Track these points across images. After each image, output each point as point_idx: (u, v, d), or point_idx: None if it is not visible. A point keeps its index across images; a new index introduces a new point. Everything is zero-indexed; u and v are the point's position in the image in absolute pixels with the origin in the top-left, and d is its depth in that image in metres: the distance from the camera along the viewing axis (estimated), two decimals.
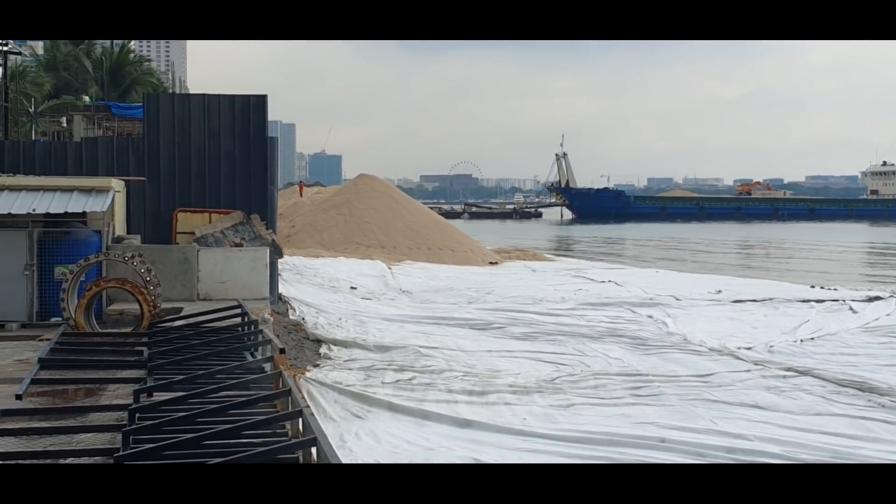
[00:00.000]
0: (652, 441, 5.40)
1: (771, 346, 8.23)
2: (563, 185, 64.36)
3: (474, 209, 73.70)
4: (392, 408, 6.12)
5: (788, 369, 7.25)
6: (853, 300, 11.24)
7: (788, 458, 4.80)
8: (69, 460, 3.15)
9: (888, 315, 10.02)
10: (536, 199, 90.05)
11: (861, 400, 6.36)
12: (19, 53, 21.58)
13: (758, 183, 78.91)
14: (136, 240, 8.39)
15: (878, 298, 11.33)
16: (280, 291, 9.75)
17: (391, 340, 7.34)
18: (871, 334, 8.97)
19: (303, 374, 6.57)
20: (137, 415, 3.69)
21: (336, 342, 7.44)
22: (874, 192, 71.23)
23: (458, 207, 76.03)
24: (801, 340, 8.59)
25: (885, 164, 70.79)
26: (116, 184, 7.91)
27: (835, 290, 12.83)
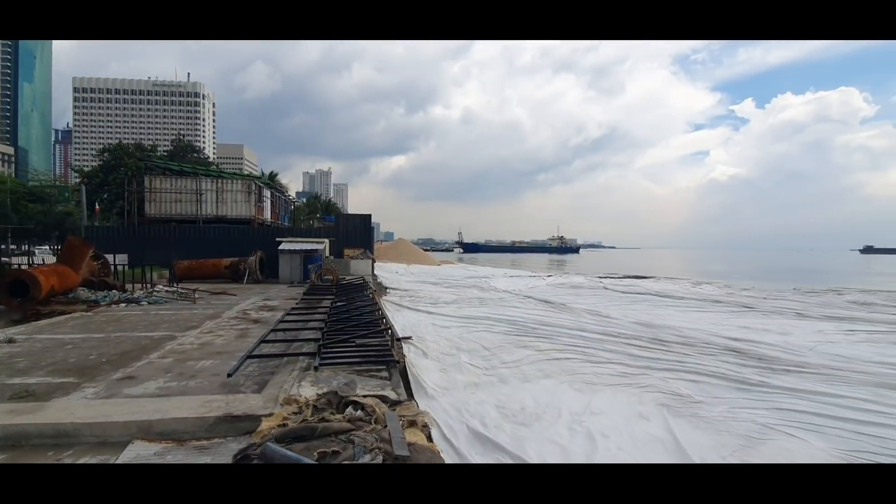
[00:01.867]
0: (483, 317, 15.44)
1: (520, 290, 19.42)
2: (461, 240, 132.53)
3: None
4: (408, 308, 13.49)
5: (526, 296, 18.21)
6: (545, 276, 23.72)
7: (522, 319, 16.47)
8: (314, 316, 16.44)
9: (546, 283, 21.40)
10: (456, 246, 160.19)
11: (546, 306, 16.61)
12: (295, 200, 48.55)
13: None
14: (332, 257, 22.62)
15: (549, 276, 25.82)
16: (375, 273, 23.68)
17: (408, 288, 20.03)
18: (551, 287, 20.42)
19: (380, 297, 18.97)
20: (331, 309, 10.99)
21: (390, 288, 20.32)
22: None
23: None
24: (531, 287, 20.27)
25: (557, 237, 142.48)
26: (326, 241, 22.23)
27: (548, 276, 27.27)
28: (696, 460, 4.23)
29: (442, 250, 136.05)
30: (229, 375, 5.31)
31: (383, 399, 3.81)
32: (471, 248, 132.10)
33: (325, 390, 4.28)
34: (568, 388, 6.37)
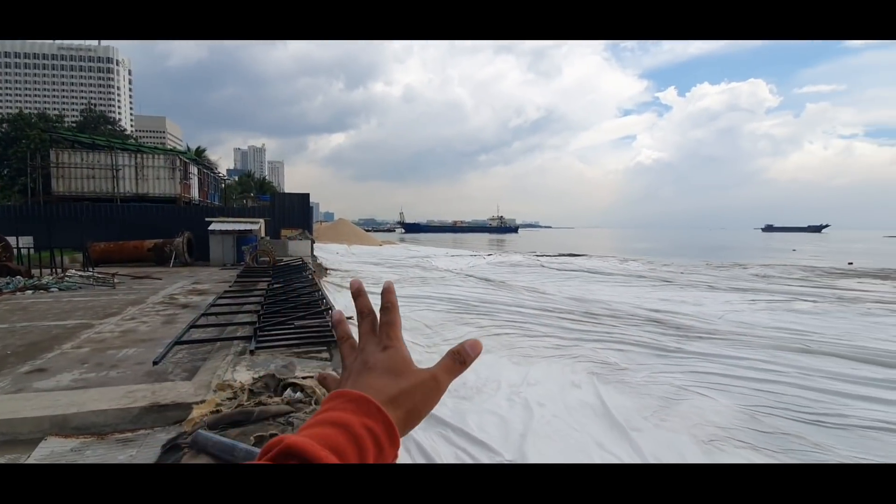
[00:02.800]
0: (425, 296, 17.30)
1: (461, 269, 19.99)
2: (403, 220, 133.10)
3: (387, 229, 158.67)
4: (349, 289, 18.38)
5: (467, 275, 18.74)
6: (486, 255, 24.09)
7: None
8: (250, 300, 15.84)
9: (486, 262, 22.25)
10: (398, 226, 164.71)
11: (486, 284, 17.64)
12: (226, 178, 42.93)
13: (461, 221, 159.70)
14: (268, 238, 21.58)
15: (489, 255, 26.70)
16: (315, 254, 22.95)
17: (350, 269, 19.73)
18: (491, 266, 21.19)
19: (321, 278, 19.03)
20: (268, 291, 12.56)
21: (331, 269, 19.90)
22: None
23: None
24: (471, 266, 20.84)
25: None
26: (261, 220, 21.12)
27: (488, 255, 27.95)
28: (621, 421, 4.54)
29: (384, 231, 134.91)
30: (155, 363, 4.96)
31: None
32: (413, 228, 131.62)
33: (262, 374, 4.12)
34: (507, 362, 6.58)
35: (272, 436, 2.64)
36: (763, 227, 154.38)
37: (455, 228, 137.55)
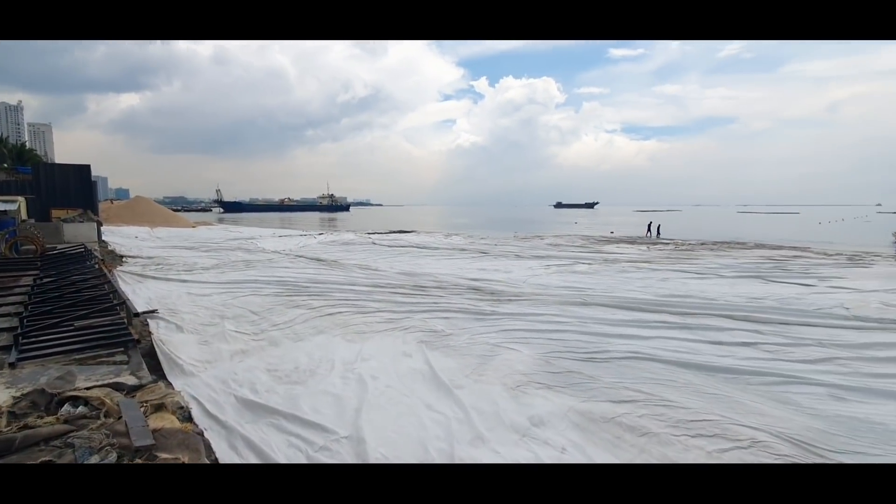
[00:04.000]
0: (250, 280, 15.54)
1: (291, 250, 19.41)
2: (221, 199, 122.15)
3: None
4: (154, 278, 11.29)
5: (297, 256, 18.23)
6: (316, 234, 24.86)
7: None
8: (8, 300, 12.41)
9: (317, 241, 23.21)
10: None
11: (318, 264, 17.35)
12: None
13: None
14: (33, 221, 16.76)
15: (320, 234, 27.76)
16: (104, 239, 18.89)
17: (154, 255, 16.87)
18: (323, 245, 21.57)
19: (113, 268, 15.16)
20: (34, 288, 8.52)
21: (128, 257, 16.68)
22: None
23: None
24: (301, 247, 20.80)
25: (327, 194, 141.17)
26: (21, 199, 16.25)
27: (319, 234, 27.75)
28: (446, 381, 4.92)
29: (197, 210, 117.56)
30: None
31: (117, 387, 3.11)
32: (233, 207, 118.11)
33: (27, 390, 3.24)
34: (341, 341, 6.49)
35: (46, 463, 2.11)
36: (555, 204, 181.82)
37: (283, 207, 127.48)
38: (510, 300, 9.00)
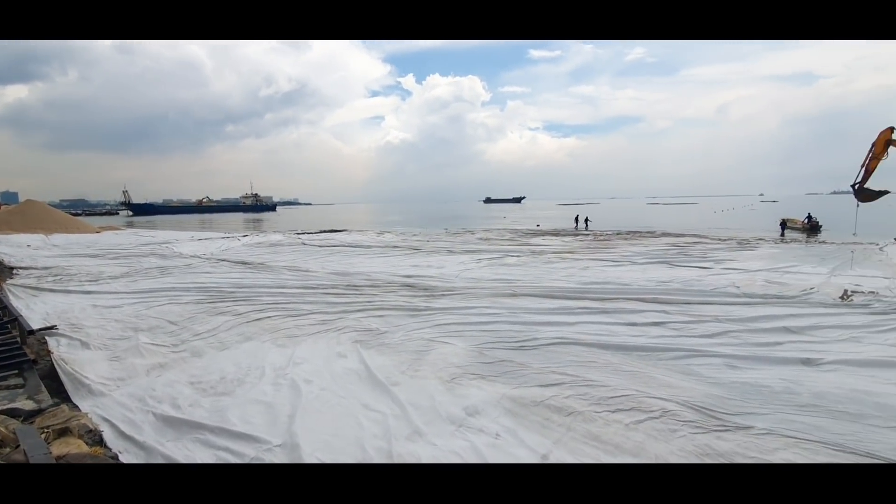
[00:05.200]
0: (167, 288, 11.55)
1: (212, 254, 18.39)
2: (129, 200, 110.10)
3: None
4: (52, 291, 10.09)
5: (220, 260, 17.21)
6: (241, 236, 24.23)
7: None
8: None
9: (242, 243, 22.68)
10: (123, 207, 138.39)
11: (243, 267, 16.54)
12: None
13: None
14: None
15: (245, 236, 26.14)
16: None
17: (51, 265, 15.00)
18: (248, 248, 20.85)
19: (2, 282, 13.07)
20: None
21: (20, 268, 14.64)
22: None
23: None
24: (224, 250, 19.72)
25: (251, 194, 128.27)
26: None
27: (243, 236, 26.20)
28: (382, 380, 4.90)
29: (102, 214, 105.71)
30: None
31: (12, 413, 2.75)
32: (144, 209, 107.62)
33: None
34: (271, 346, 6.21)
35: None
36: (484, 199, 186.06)
37: (201, 208, 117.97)
38: (443, 295, 9.12)
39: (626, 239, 21.30)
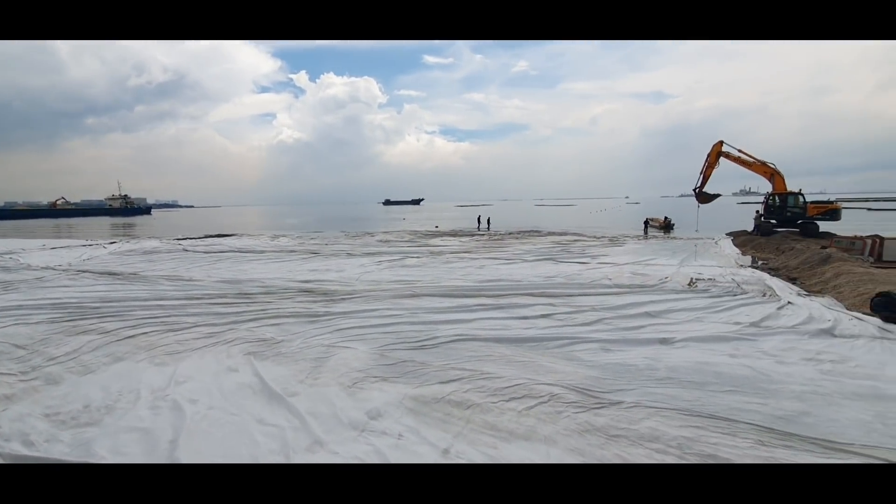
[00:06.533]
0: (12, 307, 11.72)
1: (70, 265, 16.06)
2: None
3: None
4: None
5: (81, 271, 14.73)
6: (107, 243, 22.25)
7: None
8: None
9: (109, 252, 20.80)
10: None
11: (111, 278, 14.37)
12: None
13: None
14: None
15: (112, 243, 23.95)
16: None
17: None
18: (117, 256, 18.92)
19: None
20: None
21: None
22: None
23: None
24: (86, 260, 17.40)
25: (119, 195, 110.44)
26: None
27: (110, 243, 24.01)
28: (279, 391, 4.63)
29: None
30: None
31: None
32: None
33: None
34: (147, 365, 5.52)
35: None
36: (384, 201, 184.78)
37: (56, 212, 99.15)
38: (344, 299, 8.90)
39: (517, 238, 22.72)
